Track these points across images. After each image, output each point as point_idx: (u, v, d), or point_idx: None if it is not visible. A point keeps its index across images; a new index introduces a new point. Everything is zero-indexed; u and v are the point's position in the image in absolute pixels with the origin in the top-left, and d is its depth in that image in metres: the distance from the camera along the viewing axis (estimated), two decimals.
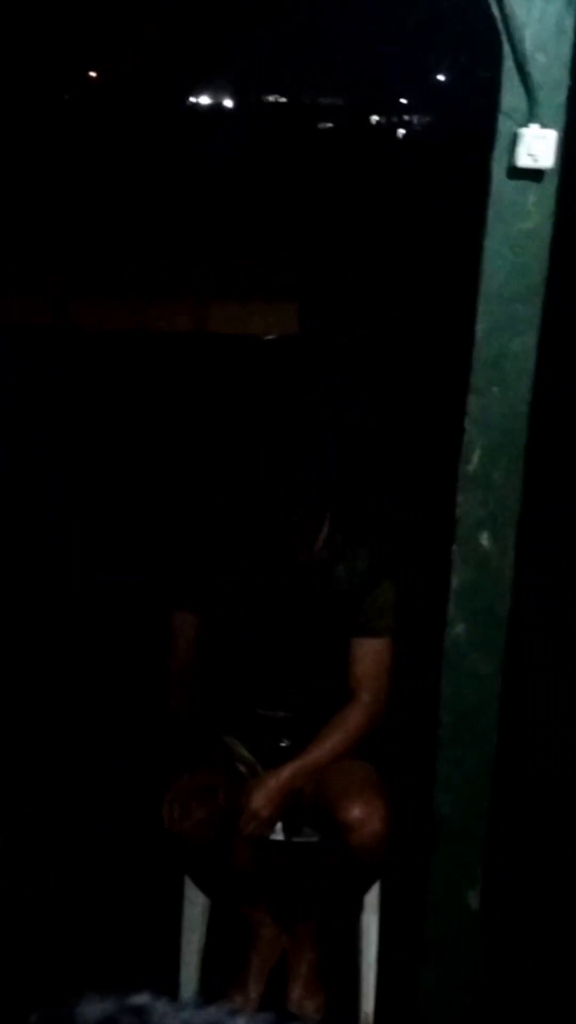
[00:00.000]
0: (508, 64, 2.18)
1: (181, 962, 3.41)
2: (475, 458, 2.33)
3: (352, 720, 3.31)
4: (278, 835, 3.34)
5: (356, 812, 3.10)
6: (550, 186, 2.21)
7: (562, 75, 2.18)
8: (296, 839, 3.36)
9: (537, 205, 2.22)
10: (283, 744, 3.36)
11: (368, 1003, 3.36)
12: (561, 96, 2.18)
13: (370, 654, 3.32)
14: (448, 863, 2.50)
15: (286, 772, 3.25)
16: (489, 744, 2.44)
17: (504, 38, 2.17)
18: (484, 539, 2.36)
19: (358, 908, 3.36)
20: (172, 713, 3.45)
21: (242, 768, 3.36)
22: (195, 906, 3.41)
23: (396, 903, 3.28)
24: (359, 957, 3.36)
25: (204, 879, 3.37)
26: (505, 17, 2.16)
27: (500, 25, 2.17)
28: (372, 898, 3.34)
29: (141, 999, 3.11)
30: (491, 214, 2.24)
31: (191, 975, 3.41)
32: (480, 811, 2.46)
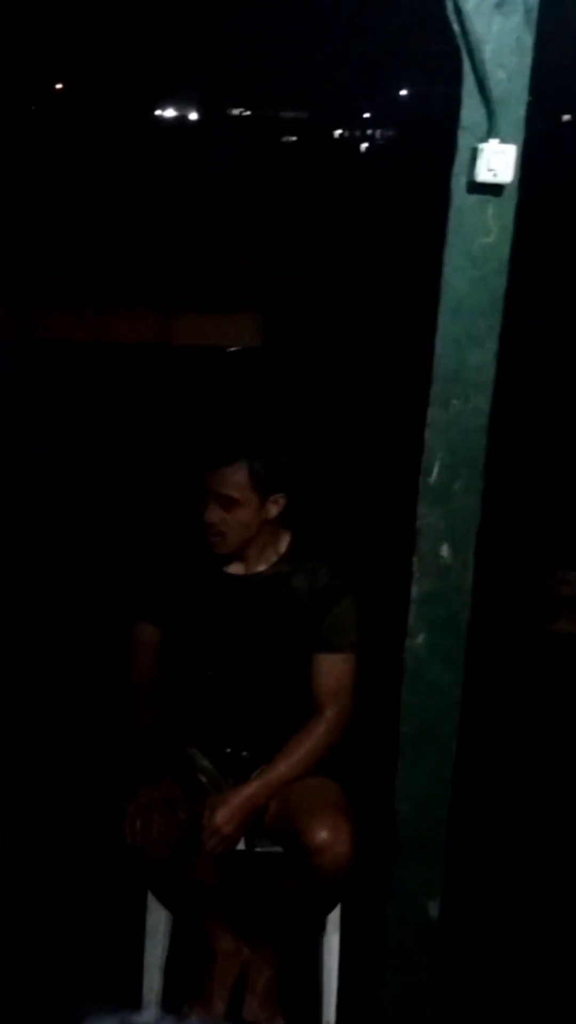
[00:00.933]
0: (468, 80, 2.19)
1: (144, 975, 3.39)
2: (435, 470, 2.34)
3: (316, 735, 3.30)
4: (239, 845, 3.33)
5: (323, 835, 3.07)
6: (509, 201, 2.22)
7: (521, 91, 2.19)
8: (258, 849, 3.35)
9: (497, 219, 2.23)
10: (244, 755, 3.35)
11: (330, 1014, 3.35)
12: (520, 111, 2.19)
13: (333, 670, 3.32)
14: (408, 873, 2.50)
15: (250, 789, 3.24)
16: (449, 754, 2.44)
17: (464, 54, 2.18)
18: (444, 551, 2.37)
19: (320, 924, 3.34)
20: (135, 725, 3.43)
21: (203, 779, 3.35)
22: (157, 919, 3.39)
23: (357, 914, 3.28)
24: (320, 970, 3.35)
25: (164, 892, 3.35)
26: (465, 33, 2.17)
27: (460, 41, 2.18)
28: (334, 913, 3.33)
29: (146, 1017, 3.10)
30: (451, 228, 2.25)
31: (153, 988, 3.39)
32: (440, 821, 2.47)
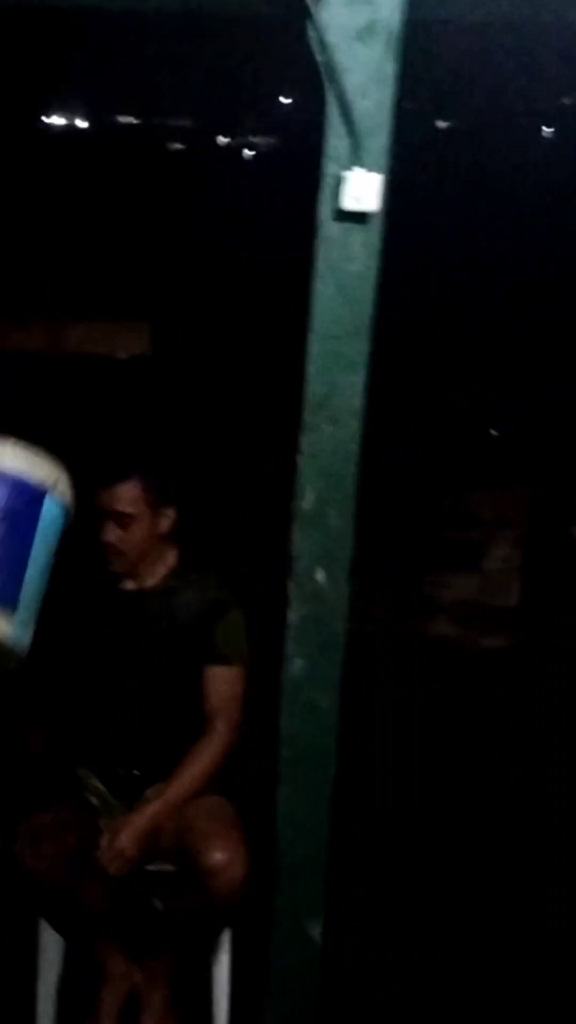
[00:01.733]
0: (332, 109, 2.17)
1: (37, 1000, 3.33)
2: (309, 496, 2.32)
3: (210, 751, 3.26)
4: None
5: (218, 856, 3.03)
6: (375, 228, 2.21)
7: (384, 120, 2.18)
8: (150, 868, 3.30)
9: (363, 247, 2.22)
10: (135, 773, 3.31)
11: None
12: (384, 140, 2.18)
13: (223, 682, 3.28)
14: (290, 895, 2.48)
15: (152, 810, 3.19)
16: (328, 777, 2.42)
17: (328, 83, 2.17)
18: (319, 575, 2.35)
19: (213, 943, 3.31)
20: (25, 749, 3.37)
21: (94, 800, 3.30)
22: (50, 944, 3.33)
23: (248, 933, 3.25)
24: (211, 990, 3.31)
25: (56, 917, 3.29)
26: (328, 63, 2.15)
27: (324, 71, 2.17)
28: (224, 940, 3.29)
29: None
30: (319, 255, 2.23)
31: (48, 1013, 3.32)
32: (321, 844, 2.45)
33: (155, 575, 3.31)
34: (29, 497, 2.46)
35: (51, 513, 2.50)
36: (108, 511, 3.16)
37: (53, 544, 2.53)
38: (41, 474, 2.47)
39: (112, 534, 3.19)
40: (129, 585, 3.31)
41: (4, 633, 2.39)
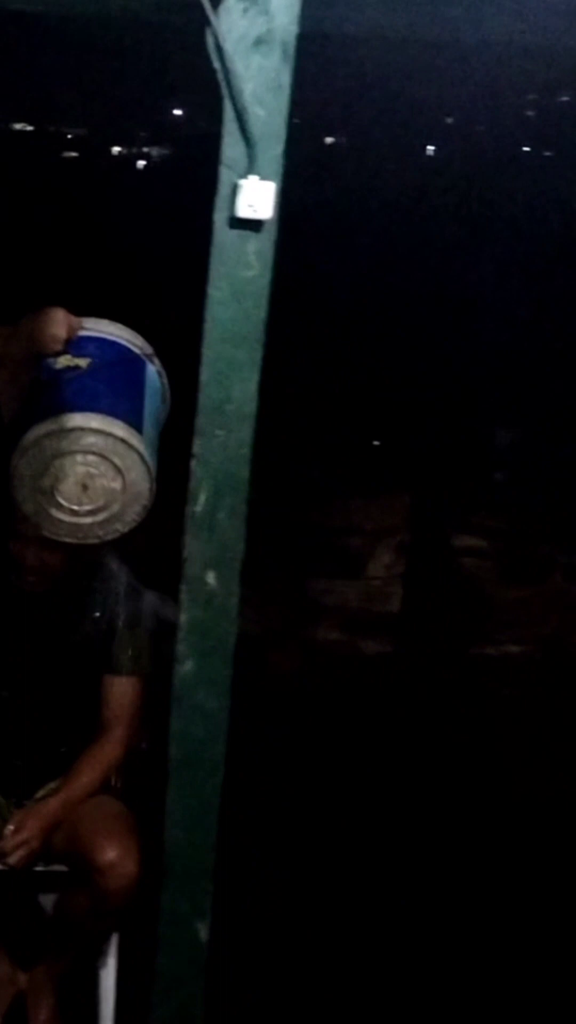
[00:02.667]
0: (229, 116, 2.16)
1: None
2: (201, 499, 2.30)
3: (107, 753, 3.23)
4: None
5: (111, 855, 3.00)
6: (269, 235, 2.20)
7: (280, 129, 2.17)
8: (39, 868, 3.24)
9: (257, 254, 2.20)
10: (17, 763, 3.26)
11: None
12: (279, 149, 2.17)
13: (123, 691, 3.24)
14: (177, 897, 2.46)
15: (55, 803, 3.15)
16: (216, 779, 2.40)
17: (225, 91, 2.15)
18: (210, 578, 2.33)
19: (102, 945, 3.26)
20: None
21: None
22: None
23: (134, 936, 3.21)
24: (98, 994, 3.27)
25: None
26: (226, 71, 2.14)
27: (221, 78, 2.15)
28: (111, 944, 3.25)
29: None
30: (214, 262, 2.21)
31: None
32: (208, 845, 2.43)
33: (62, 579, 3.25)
34: (134, 358, 2.68)
35: (152, 379, 2.70)
36: (34, 537, 2.92)
37: (156, 412, 2.68)
38: (139, 343, 2.70)
39: (33, 557, 3.10)
40: (36, 586, 3.24)
41: (141, 450, 2.49)
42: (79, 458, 2.50)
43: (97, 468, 2.51)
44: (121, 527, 2.62)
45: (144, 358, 2.74)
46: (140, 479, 2.54)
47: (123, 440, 2.49)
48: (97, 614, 3.22)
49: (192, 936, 2.46)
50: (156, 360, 2.76)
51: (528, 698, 5.83)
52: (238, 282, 2.22)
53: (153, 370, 2.74)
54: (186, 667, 2.37)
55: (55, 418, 2.48)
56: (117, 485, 2.54)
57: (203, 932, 2.46)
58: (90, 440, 2.48)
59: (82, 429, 2.47)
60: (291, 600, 6.42)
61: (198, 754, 2.39)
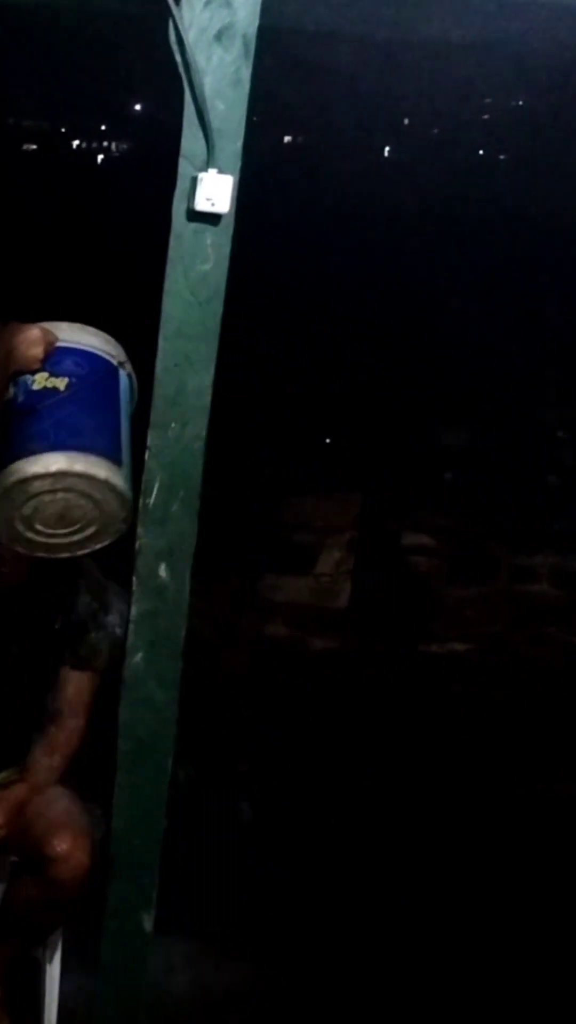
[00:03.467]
0: (189, 109, 2.15)
1: None
2: (154, 492, 2.29)
3: (64, 742, 3.19)
4: None
5: (64, 845, 2.97)
6: (226, 229, 2.19)
7: (239, 123, 2.17)
8: None
9: (214, 247, 2.20)
10: None
11: None
12: (238, 143, 2.17)
13: (78, 685, 3.21)
14: (123, 888, 2.45)
15: (22, 789, 3.10)
16: (164, 771, 2.40)
17: (185, 84, 2.14)
18: (162, 571, 2.32)
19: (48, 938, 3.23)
20: None
21: None
22: None
23: (79, 927, 3.19)
24: (42, 984, 3.24)
25: None
26: (186, 64, 2.13)
27: (182, 71, 2.14)
28: (55, 937, 3.22)
29: None
30: (172, 254, 2.21)
31: None
32: (155, 837, 2.42)
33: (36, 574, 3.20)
34: (106, 370, 2.58)
35: (125, 388, 2.61)
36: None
37: (129, 420, 2.59)
38: (113, 351, 2.61)
39: (7, 553, 3.05)
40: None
41: (121, 486, 2.42)
42: (60, 495, 2.47)
43: (77, 502, 2.49)
44: (95, 545, 2.59)
45: (117, 366, 2.68)
46: (117, 509, 2.50)
47: (105, 481, 2.45)
48: (64, 608, 3.18)
49: (136, 926, 2.45)
50: (128, 364, 2.72)
51: (473, 695, 5.86)
52: (195, 275, 2.21)
53: (125, 375, 2.69)
54: (136, 659, 2.36)
55: (36, 458, 2.41)
56: (95, 514, 2.51)
57: (147, 922, 2.45)
58: (72, 482, 2.45)
59: (65, 473, 2.43)
60: (241, 595, 6.42)
61: (147, 746, 2.39)
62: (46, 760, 3.15)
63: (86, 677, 3.21)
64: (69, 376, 2.52)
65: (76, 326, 2.62)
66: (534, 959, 3.78)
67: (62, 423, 2.46)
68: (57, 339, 2.55)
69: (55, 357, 2.54)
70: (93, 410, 2.53)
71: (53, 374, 2.51)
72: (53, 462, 2.40)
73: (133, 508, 2.43)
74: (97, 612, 3.18)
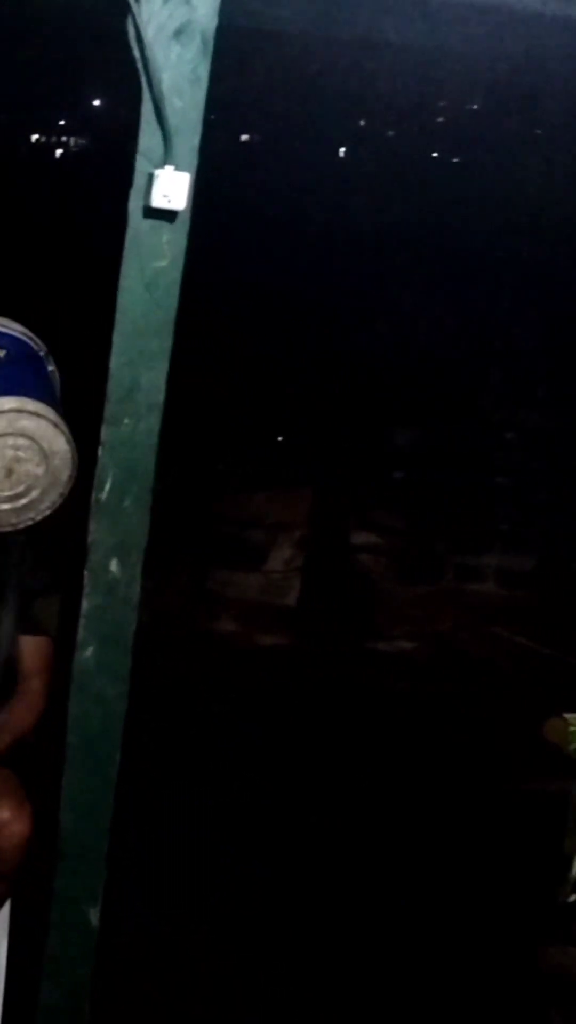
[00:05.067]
0: (147, 106, 2.14)
1: None
2: (107, 487, 2.28)
3: (23, 712, 3.18)
4: None
5: (4, 814, 2.96)
6: (182, 227, 2.19)
7: (196, 120, 2.16)
8: None
9: (170, 244, 2.19)
10: None
11: None
12: (195, 140, 2.16)
13: (35, 650, 3.20)
14: (70, 881, 2.43)
15: None
16: (112, 766, 2.39)
17: (144, 80, 2.13)
18: (113, 565, 2.31)
19: None
20: None
21: None
22: None
23: (26, 921, 3.17)
24: None
25: None
26: (145, 60, 2.12)
27: (140, 67, 2.13)
28: (2, 918, 3.20)
29: None
30: (127, 251, 2.20)
31: None
32: (102, 831, 2.41)
33: None
34: (35, 353, 2.65)
35: (53, 374, 2.68)
36: None
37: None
38: (39, 343, 2.67)
39: None
40: None
41: (68, 436, 2.49)
42: (10, 440, 2.48)
43: (25, 452, 2.49)
44: (35, 516, 2.59)
45: (44, 356, 2.73)
46: (63, 464, 2.52)
47: (54, 424, 2.47)
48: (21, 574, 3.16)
49: (83, 920, 2.44)
50: (51, 358, 2.75)
51: (420, 693, 5.88)
52: (150, 272, 2.20)
53: (52, 371, 2.74)
54: (86, 654, 2.35)
55: None
56: (40, 470, 2.51)
57: (94, 916, 2.44)
58: (24, 423, 2.46)
59: (17, 411, 2.44)
60: (191, 590, 6.41)
61: (95, 741, 2.38)
62: (8, 729, 3.14)
63: (45, 643, 3.19)
64: (6, 349, 2.55)
65: (5, 318, 2.67)
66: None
67: (8, 378, 2.51)
68: None
69: None
70: (32, 376, 2.58)
71: None
72: (5, 402, 2.42)
73: (76, 467, 2.46)
74: (44, 578, 3.16)
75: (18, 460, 2.49)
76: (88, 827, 2.41)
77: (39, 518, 2.60)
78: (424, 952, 3.80)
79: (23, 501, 2.55)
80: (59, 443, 2.49)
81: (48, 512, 2.59)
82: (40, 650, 3.20)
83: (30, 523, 2.61)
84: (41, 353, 2.72)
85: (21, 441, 2.47)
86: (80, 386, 2.77)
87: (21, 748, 3.18)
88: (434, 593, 6.94)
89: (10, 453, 2.49)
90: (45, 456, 2.50)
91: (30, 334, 2.72)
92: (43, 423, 2.47)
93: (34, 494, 2.54)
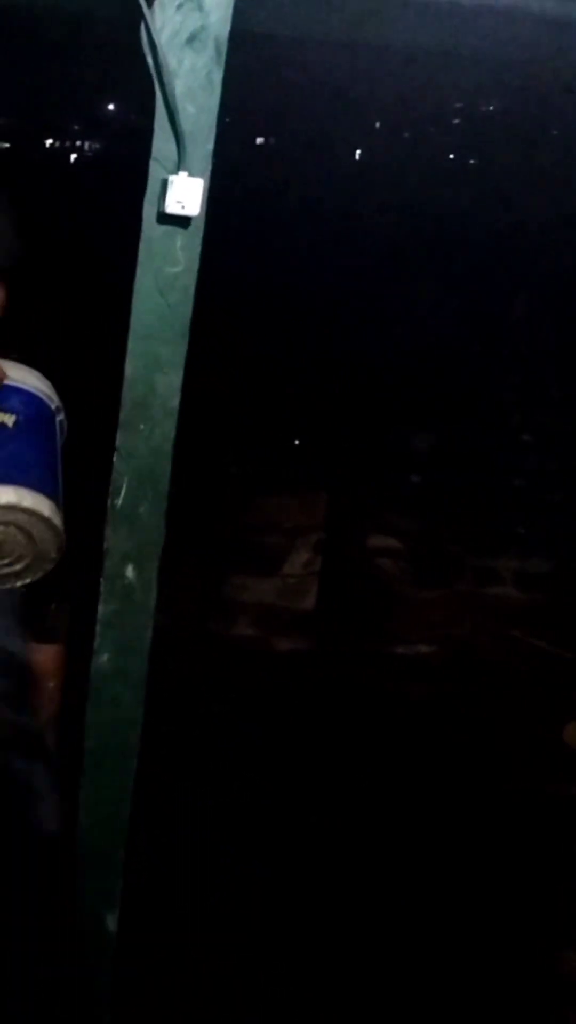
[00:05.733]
0: (160, 112, 2.15)
1: None
2: (122, 493, 2.29)
3: (50, 701, 3.20)
4: None
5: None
6: (196, 232, 2.19)
7: (210, 126, 2.17)
8: None
9: (184, 250, 2.20)
10: None
11: None
12: (209, 146, 2.17)
13: (51, 658, 3.22)
14: (88, 886, 2.44)
15: None
16: (129, 771, 2.39)
17: (157, 86, 2.14)
18: (129, 572, 2.32)
19: None
20: None
21: None
22: None
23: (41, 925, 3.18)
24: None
25: None
26: (158, 66, 2.13)
27: (154, 73, 2.14)
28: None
29: None
30: (142, 257, 2.21)
31: None
32: (120, 836, 2.42)
33: None
34: (48, 413, 2.59)
35: (59, 431, 2.62)
36: None
37: (61, 460, 2.61)
38: (52, 396, 2.61)
39: None
40: None
41: (59, 526, 2.43)
42: (0, 528, 2.48)
43: (15, 536, 2.50)
44: (19, 580, 2.60)
45: (55, 411, 2.72)
46: (51, 548, 2.52)
47: (47, 519, 2.46)
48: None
49: (101, 925, 2.45)
50: (62, 411, 2.74)
51: (438, 697, 5.87)
52: (165, 277, 2.21)
53: (59, 421, 2.73)
54: (102, 659, 2.36)
55: None
56: (29, 549, 2.52)
57: (112, 922, 2.45)
58: (17, 516, 2.46)
59: (13, 507, 2.44)
60: (207, 595, 6.41)
61: (112, 746, 2.39)
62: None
63: (54, 650, 3.21)
64: (17, 414, 2.53)
65: (23, 367, 2.64)
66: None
67: (11, 458, 2.48)
68: (7, 376, 2.56)
69: (4, 393, 2.55)
70: (38, 448, 2.55)
71: (2, 410, 2.52)
72: (3, 495, 2.41)
73: (64, 547, 2.45)
74: (56, 585, 3.18)
75: (5, 540, 2.50)
76: (105, 833, 2.42)
77: (20, 584, 2.62)
78: (436, 956, 3.79)
79: (7, 571, 2.57)
80: (48, 532, 2.49)
81: (34, 579, 2.61)
82: (56, 657, 3.22)
83: (11, 585, 2.63)
84: (53, 407, 2.70)
85: (10, 529, 2.48)
86: (95, 392, 2.77)
87: None
88: (451, 596, 6.92)
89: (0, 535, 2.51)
90: (33, 539, 2.50)
91: (45, 387, 2.67)
92: (35, 518, 2.47)
93: (20, 565, 2.56)
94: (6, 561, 2.51)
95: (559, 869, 3.36)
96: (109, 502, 2.29)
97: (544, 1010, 3.28)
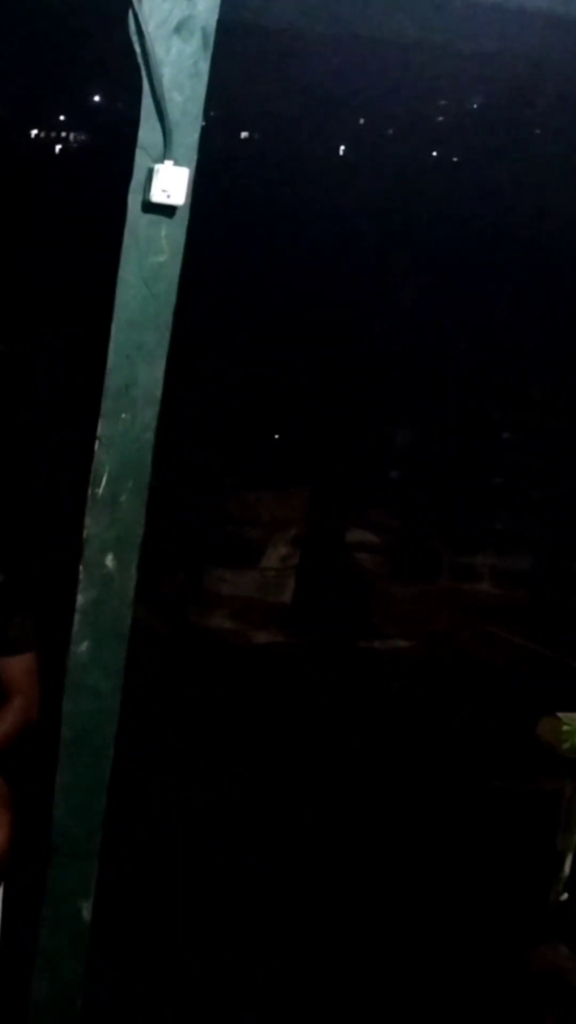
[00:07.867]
0: (147, 100, 2.14)
1: None
2: (103, 481, 2.28)
3: (8, 721, 3.20)
4: None
5: None
6: (181, 222, 2.18)
7: (196, 115, 2.16)
8: None
9: (169, 239, 2.19)
10: None
11: None
12: (195, 135, 2.16)
13: (19, 669, 3.22)
14: (63, 875, 2.43)
15: None
16: (106, 760, 2.38)
17: (144, 75, 2.13)
18: (109, 560, 2.31)
19: None
20: None
21: None
22: None
23: (16, 915, 3.17)
24: None
25: None
26: (145, 55, 2.12)
27: (141, 62, 2.13)
28: None
29: None
30: (126, 245, 2.20)
31: None
32: (95, 825, 2.41)
33: None
34: None
35: None
36: None
37: None
38: None
39: None
40: None
41: None
42: None
43: None
44: None
45: None
46: None
47: None
48: None
49: (75, 914, 2.44)
50: None
51: (414, 691, 5.88)
52: (149, 267, 2.20)
53: None
54: (80, 648, 2.34)
55: None
56: None
57: (86, 911, 2.44)
58: None
59: None
60: (186, 587, 6.41)
61: (89, 735, 2.37)
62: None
63: (25, 660, 3.22)
64: None
65: None
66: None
67: None
68: None
69: None
70: None
71: None
72: None
73: None
74: (14, 594, 3.19)
75: None
76: (81, 821, 2.40)
77: None
78: (418, 951, 3.80)
79: None
80: None
81: None
82: (23, 667, 3.23)
83: None
84: None
85: None
86: (78, 380, 2.76)
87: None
88: (430, 592, 6.94)
89: None
90: None
91: None
92: None
93: None
94: None
95: (534, 864, 3.37)
96: (90, 490, 2.28)
97: (519, 1006, 3.29)
